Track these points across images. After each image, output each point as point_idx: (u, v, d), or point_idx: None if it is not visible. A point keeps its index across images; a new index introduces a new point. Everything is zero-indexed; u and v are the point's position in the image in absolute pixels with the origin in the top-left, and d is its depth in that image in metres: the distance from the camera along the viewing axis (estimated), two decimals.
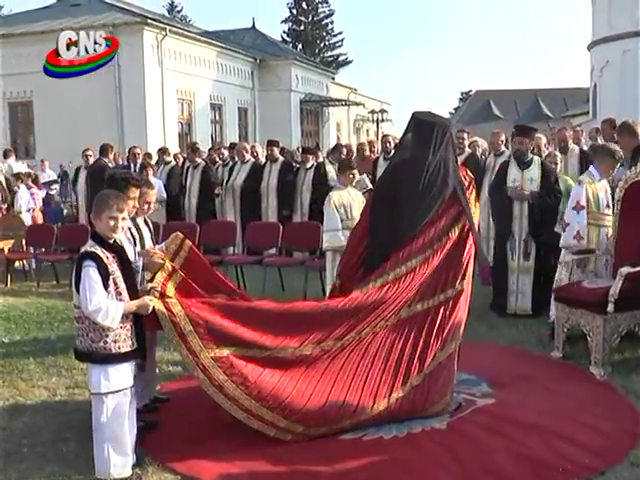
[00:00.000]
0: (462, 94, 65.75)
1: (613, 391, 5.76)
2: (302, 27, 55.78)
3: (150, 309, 4.41)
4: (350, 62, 57.44)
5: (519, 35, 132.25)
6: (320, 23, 56.40)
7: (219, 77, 27.68)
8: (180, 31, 26.01)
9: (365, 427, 4.95)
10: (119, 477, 4.36)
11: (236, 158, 11.96)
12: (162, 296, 4.54)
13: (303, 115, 32.21)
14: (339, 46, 57.15)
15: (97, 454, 4.38)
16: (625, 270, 6.06)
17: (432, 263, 5.10)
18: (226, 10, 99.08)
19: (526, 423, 5.04)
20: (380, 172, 10.60)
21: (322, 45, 56.72)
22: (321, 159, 12.32)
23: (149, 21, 23.96)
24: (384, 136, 13.33)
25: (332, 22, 56.71)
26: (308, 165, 11.18)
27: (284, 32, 55.13)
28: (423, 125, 5.40)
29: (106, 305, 4.17)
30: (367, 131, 38.60)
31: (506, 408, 5.32)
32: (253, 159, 11.93)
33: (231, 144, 13.73)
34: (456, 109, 60.23)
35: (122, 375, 4.33)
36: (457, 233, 5.22)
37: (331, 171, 10.86)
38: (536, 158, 8.18)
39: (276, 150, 11.68)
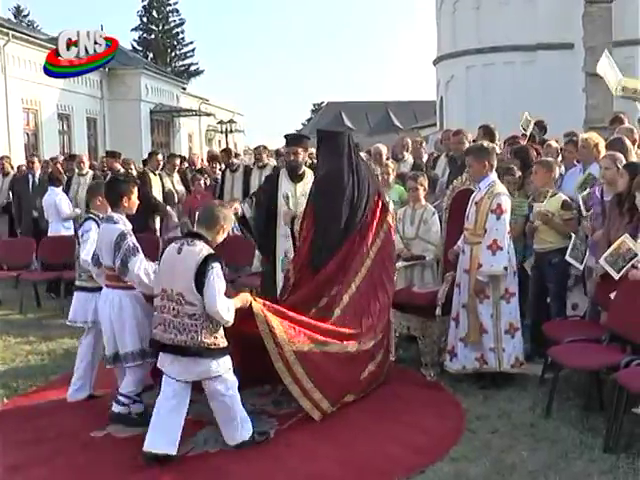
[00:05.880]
0: (314, 105, 66.69)
1: (441, 391, 6.02)
2: (153, 36, 54.79)
3: (248, 303, 4.91)
4: (202, 72, 56.87)
5: (370, 49, 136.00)
6: (171, 32, 55.50)
7: (67, 86, 26.44)
8: (25, 37, 24.76)
9: (192, 441, 4.95)
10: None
11: (75, 170, 11.55)
12: None
13: (153, 125, 31.52)
14: (190, 56, 56.49)
15: (232, 427, 4.82)
16: (450, 275, 6.35)
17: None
18: (74, 16, 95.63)
19: (354, 426, 5.18)
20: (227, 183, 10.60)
21: (173, 54, 55.81)
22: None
23: None
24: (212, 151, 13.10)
25: (183, 31, 55.98)
26: None
27: (134, 40, 53.94)
28: (330, 136, 6.17)
29: (228, 303, 4.63)
30: (219, 142, 38.35)
31: (336, 414, 5.40)
32: (92, 171, 11.60)
33: (70, 155, 13.25)
34: (308, 120, 60.96)
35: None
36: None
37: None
38: (309, 171, 7.30)
39: (116, 161, 11.38)
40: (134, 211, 5.56)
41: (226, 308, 4.60)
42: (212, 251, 4.67)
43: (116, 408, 5.31)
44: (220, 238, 4.88)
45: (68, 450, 4.93)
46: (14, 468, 4.68)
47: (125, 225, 5.26)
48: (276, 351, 5.04)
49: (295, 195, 7.06)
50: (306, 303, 5.66)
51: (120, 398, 5.33)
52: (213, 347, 4.64)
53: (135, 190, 5.50)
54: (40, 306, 9.90)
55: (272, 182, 7.19)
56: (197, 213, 7.48)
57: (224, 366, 4.70)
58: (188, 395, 4.76)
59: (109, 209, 5.54)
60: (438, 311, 6.28)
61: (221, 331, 4.70)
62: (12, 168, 13.44)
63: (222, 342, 4.70)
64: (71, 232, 10.38)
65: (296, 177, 7.08)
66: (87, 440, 5.10)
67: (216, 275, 4.55)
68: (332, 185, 5.99)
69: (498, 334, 6.00)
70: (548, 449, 4.81)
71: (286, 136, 7.53)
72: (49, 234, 10.51)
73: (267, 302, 5.22)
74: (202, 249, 4.64)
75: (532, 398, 5.75)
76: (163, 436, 4.63)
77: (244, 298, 4.94)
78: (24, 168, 14.17)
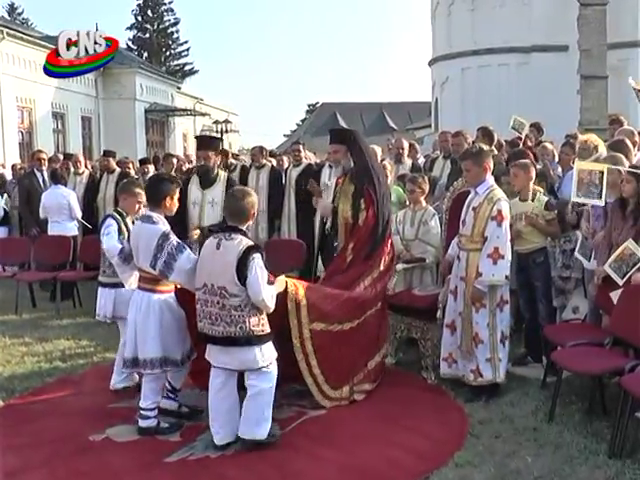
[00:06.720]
0: (309, 106, 66.63)
1: (443, 395, 5.96)
2: (147, 35, 54.75)
3: (284, 286, 5.18)
4: (196, 72, 56.94)
5: (365, 49, 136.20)
6: (166, 31, 55.52)
7: (61, 84, 26.31)
8: (19, 34, 24.62)
9: (192, 446, 4.93)
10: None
11: (72, 169, 11.45)
12: None
13: (148, 125, 31.49)
14: (185, 55, 56.58)
15: (259, 420, 4.82)
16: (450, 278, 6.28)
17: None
18: (69, 14, 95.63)
19: (356, 431, 5.12)
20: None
21: (168, 54, 55.83)
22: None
23: None
24: None
25: (178, 31, 56.06)
26: (148, 176, 10.86)
27: (129, 39, 53.89)
28: (357, 135, 6.41)
29: (272, 291, 4.81)
30: None
31: (337, 418, 5.37)
32: (88, 170, 11.52)
33: (65, 154, 13.13)
34: (303, 121, 60.91)
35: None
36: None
37: None
38: (222, 174, 7.20)
39: (112, 161, 11.28)
40: (173, 213, 5.45)
41: (270, 296, 4.77)
42: (251, 242, 4.79)
43: (143, 423, 5.20)
44: (252, 222, 5.11)
45: (66, 454, 4.84)
46: (11, 473, 4.58)
47: (165, 225, 5.16)
48: (297, 328, 5.32)
49: (202, 203, 7.04)
50: (350, 284, 5.92)
51: (143, 413, 5.21)
52: (261, 333, 4.78)
53: (178, 191, 5.41)
54: (36, 307, 9.81)
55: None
56: None
57: (269, 357, 4.83)
58: (235, 383, 4.93)
59: (142, 209, 5.43)
60: (439, 314, 6.22)
61: (265, 316, 4.81)
62: None
63: (267, 327, 4.82)
64: (75, 232, 10.33)
65: (207, 182, 7.03)
66: (86, 444, 5.01)
67: (258, 266, 4.67)
68: (381, 177, 6.30)
69: (494, 344, 5.85)
70: (552, 454, 4.77)
71: (197, 138, 7.39)
72: (52, 233, 10.24)
73: (301, 282, 5.55)
74: (241, 241, 4.75)
75: (534, 402, 5.70)
76: (224, 427, 4.87)
77: (281, 282, 5.13)
78: (18, 167, 14.06)
